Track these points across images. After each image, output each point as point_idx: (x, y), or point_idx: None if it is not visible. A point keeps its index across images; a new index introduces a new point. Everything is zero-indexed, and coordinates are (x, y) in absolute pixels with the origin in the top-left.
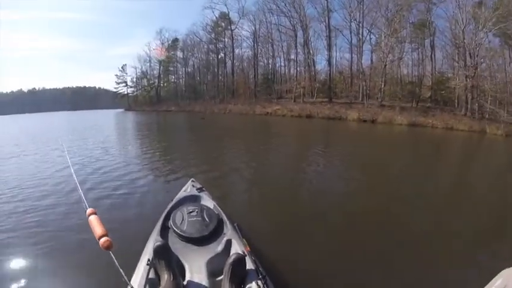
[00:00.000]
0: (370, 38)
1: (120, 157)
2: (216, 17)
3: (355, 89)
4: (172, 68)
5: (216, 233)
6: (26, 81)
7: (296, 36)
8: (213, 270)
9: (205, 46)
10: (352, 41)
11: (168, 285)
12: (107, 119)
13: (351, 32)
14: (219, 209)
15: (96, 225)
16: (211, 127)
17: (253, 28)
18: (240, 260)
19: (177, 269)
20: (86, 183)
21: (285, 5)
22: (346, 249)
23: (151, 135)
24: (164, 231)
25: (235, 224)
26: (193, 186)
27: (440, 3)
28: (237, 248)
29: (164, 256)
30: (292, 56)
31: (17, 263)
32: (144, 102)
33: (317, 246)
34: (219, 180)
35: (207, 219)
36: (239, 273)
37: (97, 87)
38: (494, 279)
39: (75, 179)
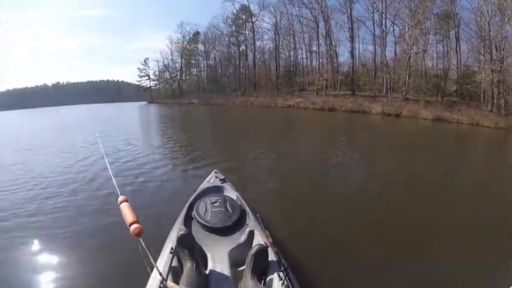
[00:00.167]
0: (394, 30)
1: (146, 148)
2: (237, 10)
3: (379, 82)
4: (194, 61)
5: (238, 223)
6: (50, 76)
7: (318, 27)
8: (235, 261)
9: (226, 39)
10: (375, 33)
11: (190, 274)
12: (130, 111)
13: (373, 23)
14: (242, 200)
15: (127, 212)
16: (233, 119)
17: (274, 20)
18: (262, 251)
19: (200, 258)
20: (116, 172)
21: None
22: (369, 244)
23: (175, 127)
24: (188, 220)
25: (257, 215)
26: (216, 177)
27: None
28: (259, 239)
29: (187, 245)
30: (314, 48)
31: (54, 242)
32: (167, 95)
33: (339, 241)
34: (242, 172)
35: (230, 209)
36: (261, 264)
37: (120, 80)
38: None
39: (109, 167)
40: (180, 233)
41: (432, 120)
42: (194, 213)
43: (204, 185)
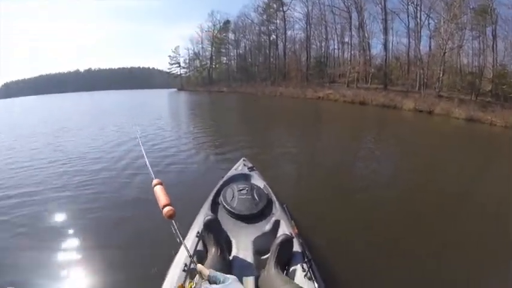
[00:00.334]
0: (429, 23)
1: (176, 134)
2: None
3: (412, 77)
4: (224, 50)
5: (264, 212)
6: (82, 62)
7: (350, 18)
8: (260, 249)
9: (257, 28)
10: (410, 25)
11: (215, 259)
12: (161, 98)
13: (408, 16)
14: (269, 188)
15: (161, 195)
16: (263, 109)
17: (306, 9)
18: (287, 241)
19: (225, 244)
20: (149, 156)
21: None
22: (396, 242)
23: (206, 114)
24: (214, 206)
25: (284, 205)
26: (244, 165)
27: None
28: (285, 229)
29: (214, 230)
30: (346, 39)
31: (91, 216)
32: (197, 83)
33: (365, 236)
34: (270, 161)
35: (256, 198)
36: (285, 254)
37: (151, 67)
38: None
39: (143, 152)
40: (206, 218)
41: (465, 119)
42: (221, 199)
43: (232, 172)
